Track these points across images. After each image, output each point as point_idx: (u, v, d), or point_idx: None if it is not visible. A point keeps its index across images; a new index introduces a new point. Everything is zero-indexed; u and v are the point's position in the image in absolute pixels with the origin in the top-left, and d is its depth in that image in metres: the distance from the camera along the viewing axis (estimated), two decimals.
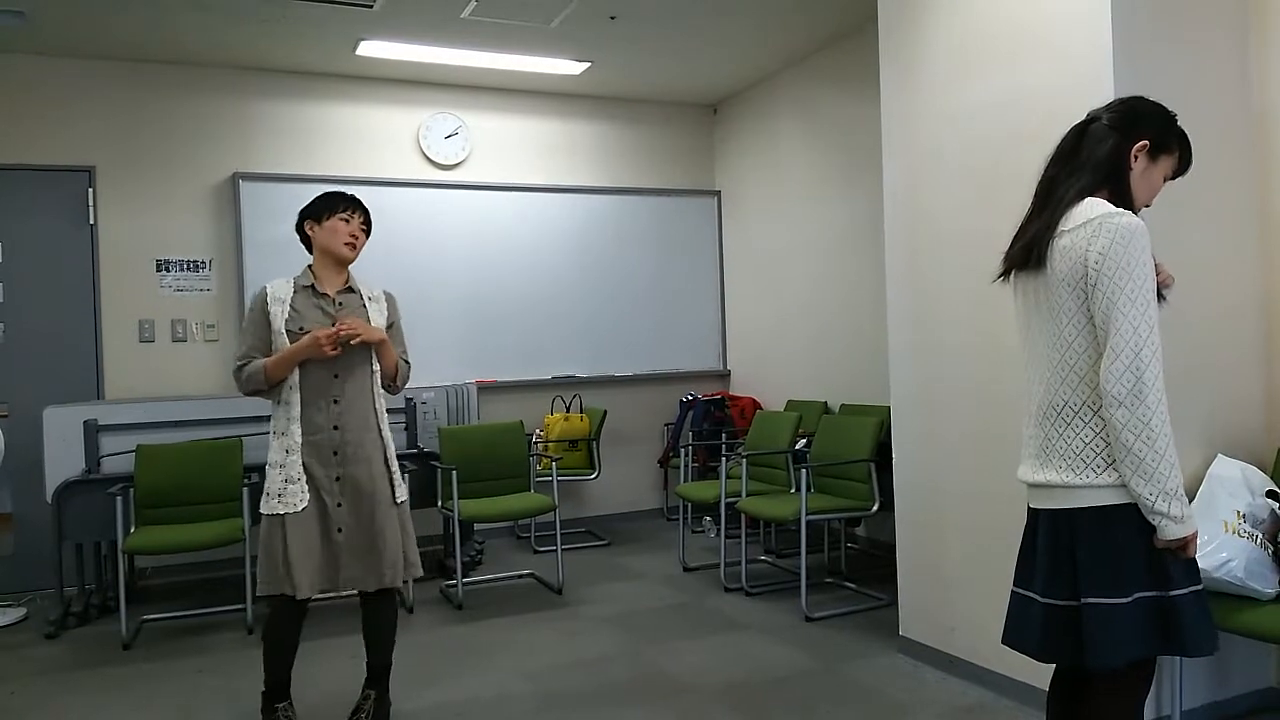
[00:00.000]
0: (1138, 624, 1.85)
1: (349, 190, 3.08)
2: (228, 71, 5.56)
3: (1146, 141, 1.95)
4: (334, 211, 2.96)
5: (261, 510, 2.87)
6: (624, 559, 5.45)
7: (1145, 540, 1.85)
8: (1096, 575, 1.87)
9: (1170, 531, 1.81)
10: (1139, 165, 1.96)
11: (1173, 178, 2.05)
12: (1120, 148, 1.95)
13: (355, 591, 3.02)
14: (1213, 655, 1.95)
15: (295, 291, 2.93)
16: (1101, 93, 2.79)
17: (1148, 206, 2.02)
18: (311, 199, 3.04)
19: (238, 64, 5.53)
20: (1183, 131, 2.01)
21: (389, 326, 3.04)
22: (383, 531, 2.95)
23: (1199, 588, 1.88)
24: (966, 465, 3.36)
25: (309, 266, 3.00)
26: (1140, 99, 2.03)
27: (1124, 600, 1.85)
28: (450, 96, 6.08)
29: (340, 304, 2.97)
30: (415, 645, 3.98)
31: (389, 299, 3.11)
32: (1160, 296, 1.90)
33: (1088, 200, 1.91)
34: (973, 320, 3.32)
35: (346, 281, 3.02)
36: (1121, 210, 1.88)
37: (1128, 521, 1.85)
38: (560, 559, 4.82)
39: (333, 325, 2.87)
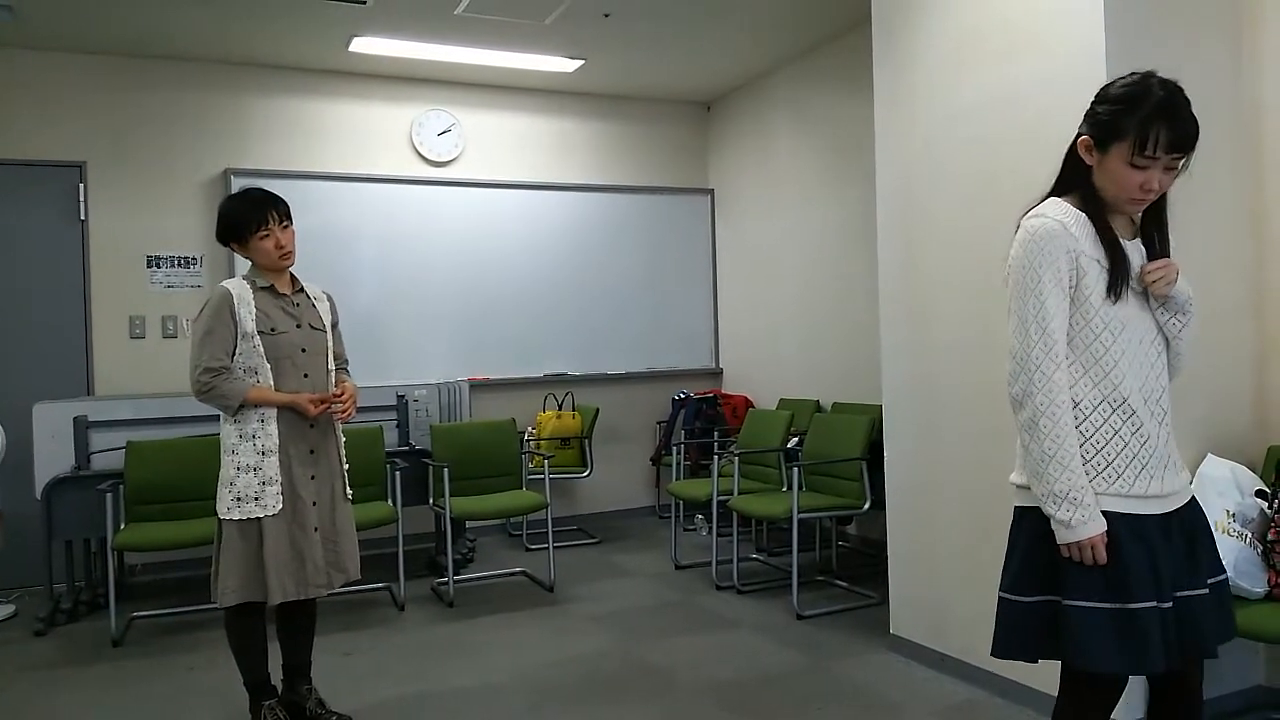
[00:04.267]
0: (1030, 625, 1.86)
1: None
2: (220, 67, 5.53)
3: (1087, 137, 1.87)
4: (252, 233, 2.85)
5: (231, 516, 2.80)
6: (616, 557, 5.44)
7: (1047, 544, 1.82)
8: (1007, 571, 1.92)
9: (1059, 535, 1.78)
10: (1095, 161, 1.87)
11: (1153, 159, 1.78)
12: (1072, 148, 1.92)
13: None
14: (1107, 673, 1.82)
15: (255, 292, 2.87)
16: (1094, 90, 2.80)
17: (1140, 200, 1.85)
18: (219, 217, 2.93)
19: (230, 59, 5.51)
20: (1145, 112, 1.77)
21: (333, 326, 3.06)
22: (345, 527, 2.99)
23: (1107, 605, 1.76)
24: (958, 464, 3.37)
25: (253, 267, 2.93)
26: (1106, 86, 1.89)
27: (1024, 599, 1.87)
28: (443, 93, 6.06)
29: (297, 304, 2.96)
30: (406, 643, 3.97)
31: (330, 300, 3.11)
32: (1114, 292, 1.82)
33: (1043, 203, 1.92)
34: (966, 319, 3.32)
35: (294, 281, 3.00)
36: (1037, 211, 1.88)
37: (1033, 522, 1.86)
38: (552, 557, 4.82)
39: (296, 325, 2.91)
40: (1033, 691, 3.05)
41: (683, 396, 6.31)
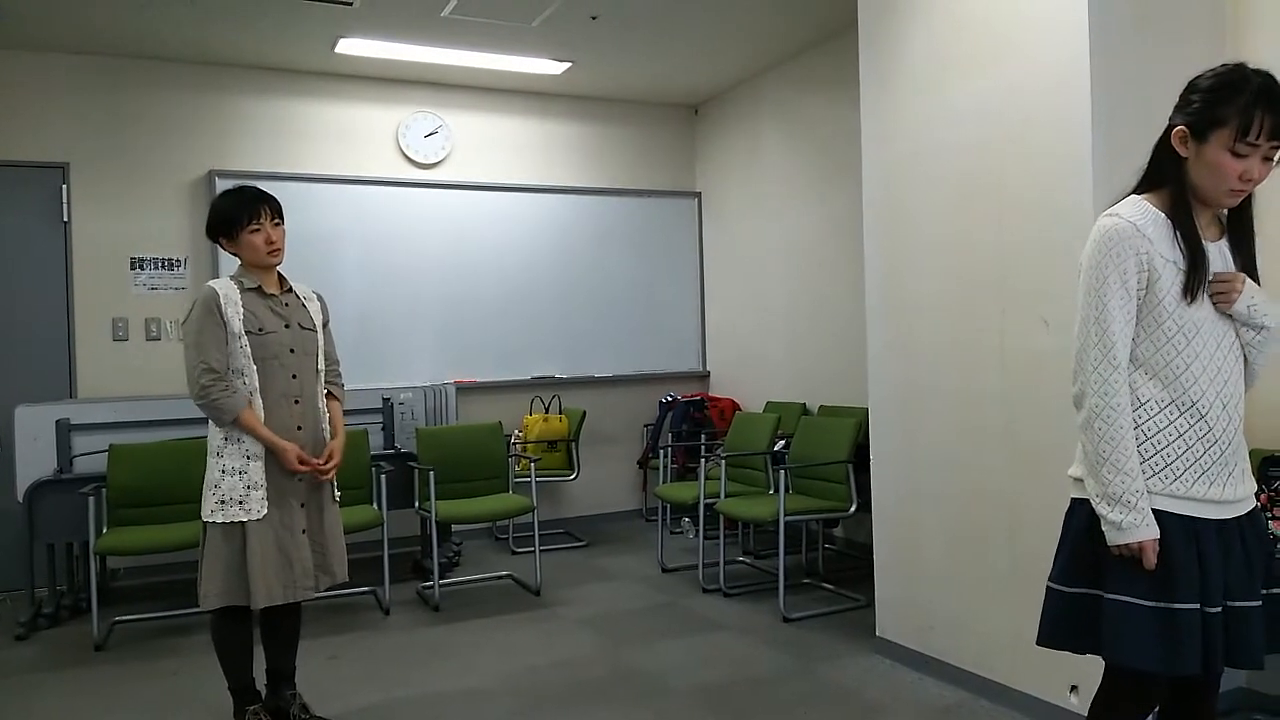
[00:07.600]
0: (1074, 616, 1.87)
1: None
2: (204, 68, 5.50)
3: (1183, 128, 1.79)
4: (242, 226, 2.84)
5: (217, 519, 2.79)
6: (602, 560, 5.43)
7: (1094, 538, 1.83)
8: (1056, 561, 1.92)
9: (1109, 536, 1.78)
10: (1191, 153, 1.79)
11: (1255, 145, 1.73)
12: (1163, 142, 1.84)
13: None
14: (1154, 671, 1.79)
15: (242, 292, 2.86)
16: (1078, 96, 2.82)
17: (1238, 192, 1.79)
18: (211, 211, 2.92)
19: (215, 60, 5.48)
20: (1247, 98, 1.72)
21: (324, 325, 3.05)
22: (334, 530, 2.97)
23: (1148, 603, 1.75)
24: (944, 466, 3.38)
25: (241, 267, 2.92)
26: (1196, 78, 1.81)
27: (1068, 590, 1.88)
28: (430, 95, 6.05)
29: (286, 304, 2.94)
30: (391, 646, 3.96)
31: (320, 300, 3.10)
32: (1190, 293, 1.78)
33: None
34: (951, 324, 3.33)
35: (282, 281, 2.99)
36: (1112, 210, 1.85)
37: (1083, 516, 1.87)
38: (538, 560, 4.81)
39: (285, 325, 2.88)
40: (1018, 693, 3.07)
41: (670, 399, 6.31)
